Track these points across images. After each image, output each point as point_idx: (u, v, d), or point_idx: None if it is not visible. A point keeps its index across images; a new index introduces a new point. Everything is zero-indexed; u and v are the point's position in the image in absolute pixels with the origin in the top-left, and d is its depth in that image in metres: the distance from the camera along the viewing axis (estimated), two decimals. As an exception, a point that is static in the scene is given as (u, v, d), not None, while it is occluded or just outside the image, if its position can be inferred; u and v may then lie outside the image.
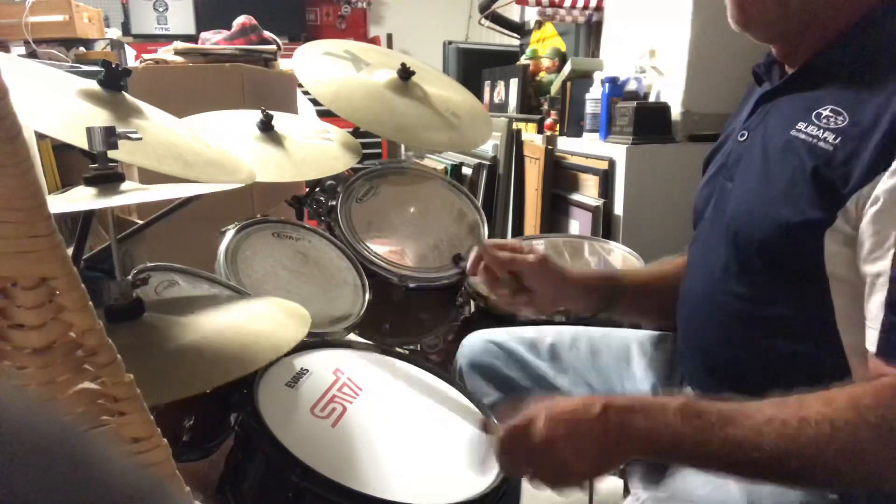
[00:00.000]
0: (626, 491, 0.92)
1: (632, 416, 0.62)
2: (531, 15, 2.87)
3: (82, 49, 2.34)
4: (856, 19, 0.70)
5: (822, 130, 0.67)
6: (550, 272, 0.94)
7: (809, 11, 0.71)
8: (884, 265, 0.61)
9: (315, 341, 1.00)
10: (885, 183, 0.61)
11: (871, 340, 0.61)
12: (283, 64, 2.16)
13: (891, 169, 0.60)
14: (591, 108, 1.91)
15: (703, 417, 0.60)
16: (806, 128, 0.69)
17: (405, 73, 1.38)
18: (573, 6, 2.31)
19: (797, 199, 0.67)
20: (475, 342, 1.06)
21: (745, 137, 0.80)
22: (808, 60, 0.74)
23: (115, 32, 2.84)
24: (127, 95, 0.94)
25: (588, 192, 1.88)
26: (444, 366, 1.14)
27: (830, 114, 0.67)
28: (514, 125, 2.21)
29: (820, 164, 0.66)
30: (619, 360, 0.99)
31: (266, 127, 1.32)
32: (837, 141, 0.65)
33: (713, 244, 0.80)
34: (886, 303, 0.60)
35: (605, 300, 0.97)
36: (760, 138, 0.77)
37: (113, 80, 0.91)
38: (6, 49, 2.19)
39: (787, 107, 0.75)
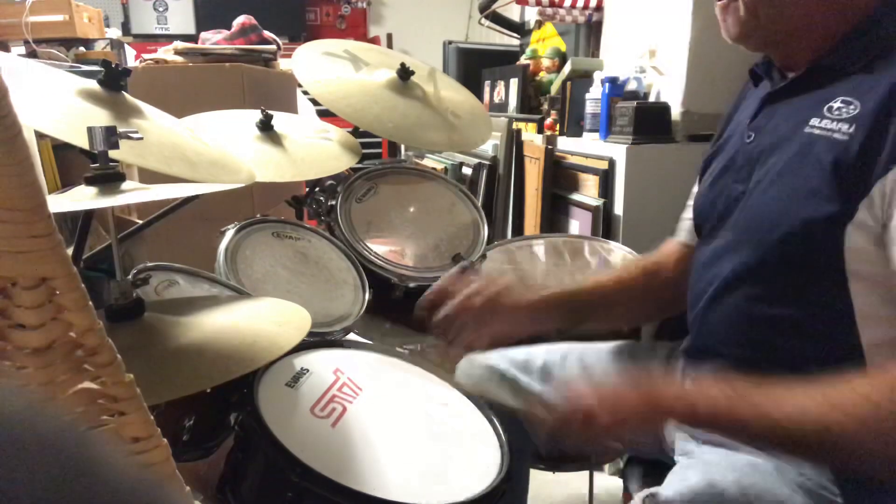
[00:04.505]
0: (626, 490, 0.92)
1: (668, 391, 0.68)
2: (531, 15, 2.87)
3: (82, 49, 2.34)
4: (856, 22, 0.71)
5: (835, 122, 0.67)
6: (500, 310, 0.90)
7: (786, 19, 0.73)
8: None
9: (315, 341, 1.00)
10: None
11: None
12: (283, 64, 2.16)
13: None
14: (591, 107, 1.91)
15: (737, 387, 0.64)
16: (820, 122, 0.69)
17: (404, 73, 1.39)
18: (573, 6, 2.31)
19: (817, 195, 0.66)
20: (471, 368, 1.05)
21: (751, 139, 0.80)
22: (814, 62, 0.74)
23: (115, 32, 2.84)
24: (127, 95, 0.94)
25: (588, 192, 1.88)
26: (443, 366, 1.14)
27: (842, 104, 0.67)
28: (514, 125, 2.21)
29: (838, 155, 0.65)
30: (612, 372, 0.98)
31: (266, 127, 1.32)
32: (852, 129, 0.65)
33: (724, 247, 0.80)
34: None
35: (573, 318, 0.96)
36: (770, 139, 0.76)
37: (113, 79, 0.91)
38: (6, 49, 2.18)
39: (797, 105, 0.75)
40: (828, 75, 0.72)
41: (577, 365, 1.00)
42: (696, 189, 0.94)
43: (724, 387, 0.65)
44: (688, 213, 0.96)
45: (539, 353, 1.02)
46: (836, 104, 0.68)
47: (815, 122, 0.69)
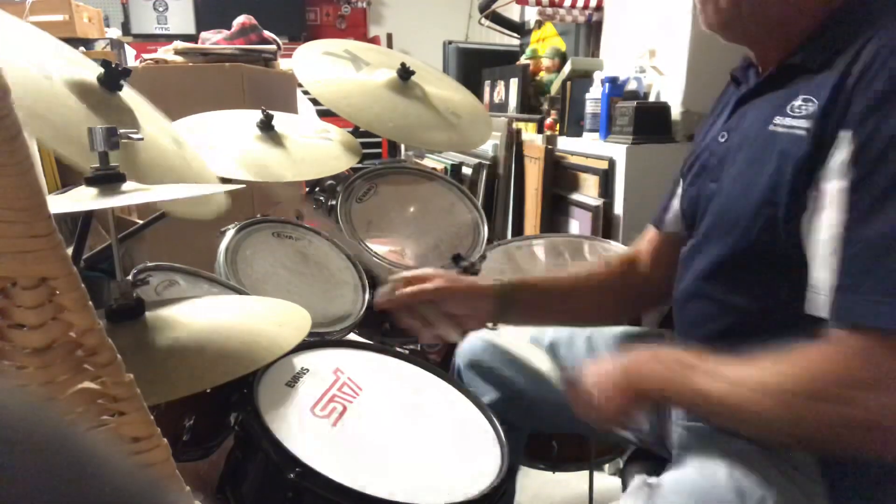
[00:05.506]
0: (625, 487, 0.93)
1: (641, 369, 0.74)
2: (531, 15, 2.87)
3: (82, 49, 2.34)
4: (822, 19, 0.72)
5: (796, 119, 0.69)
6: (460, 291, 0.93)
7: (764, 13, 0.74)
8: (829, 218, 0.64)
9: (315, 341, 1.00)
10: (834, 158, 0.64)
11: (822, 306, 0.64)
12: (283, 64, 2.16)
13: (839, 140, 0.63)
14: (591, 107, 1.91)
15: (687, 367, 0.70)
16: (783, 120, 0.71)
17: (405, 73, 1.39)
18: (573, 6, 2.31)
19: (776, 189, 0.69)
20: (474, 342, 1.08)
21: (725, 139, 0.82)
22: (782, 61, 0.76)
23: (115, 32, 2.84)
24: (121, 96, 0.94)
25: (588, 191, 1.88)
26: (443, 365, 1.14)
27: (802, 103, 0.69)
28: (514, 125, 2.21)
29: (796, 151, 0.68)
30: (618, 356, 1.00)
31: (266, 127, 1.32)
32: (809, 125, 0.67)
33: (699, 243, 0.82)
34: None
35: (499, 309, 0.95)
36: (739, 138, 0.79)
37: (112, 79, 0.91)
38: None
39: (764, 105, 0.77)
40: (794, 74, 0.73)
41: (584, 346, 1.02)
42: (679, 189, 0.95)
43: (675, 364, 0.72)
44: (674, 203, 0.97)
45: (547, 331, 1.05)
46: (798, 102, 0.70)
47: (778, 119, 0.71)
